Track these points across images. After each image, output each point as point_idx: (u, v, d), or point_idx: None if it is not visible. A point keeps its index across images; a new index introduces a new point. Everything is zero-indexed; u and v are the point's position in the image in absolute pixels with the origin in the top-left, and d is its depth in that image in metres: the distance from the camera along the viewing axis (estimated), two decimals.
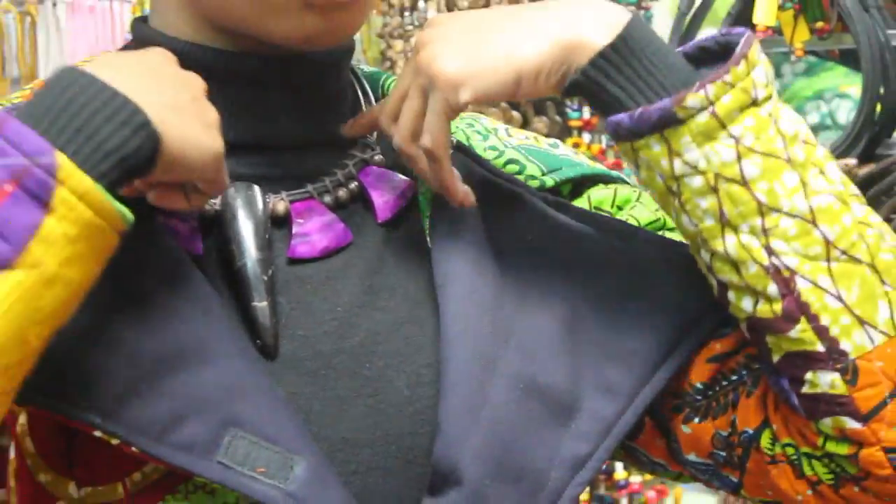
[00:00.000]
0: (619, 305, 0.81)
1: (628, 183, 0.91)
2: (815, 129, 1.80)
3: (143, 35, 0.82)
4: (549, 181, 0.86)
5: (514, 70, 0.73)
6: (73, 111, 0.64)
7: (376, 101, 0.88)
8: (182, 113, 0.68)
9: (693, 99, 0.68)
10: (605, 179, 0.89)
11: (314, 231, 0.81)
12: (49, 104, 0.64)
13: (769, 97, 0.70)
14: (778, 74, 1.89)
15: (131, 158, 0.63)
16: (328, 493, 0.69)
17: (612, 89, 0.74)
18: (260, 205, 0.77)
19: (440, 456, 0.73)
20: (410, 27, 1.79)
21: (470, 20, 0.81)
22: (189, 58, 0.77)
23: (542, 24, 0.76)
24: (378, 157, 0.83)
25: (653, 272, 0.82)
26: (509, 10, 0.81)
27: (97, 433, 0.66)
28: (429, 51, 0.76)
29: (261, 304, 0.75)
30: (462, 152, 0.84)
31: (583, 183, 0.89)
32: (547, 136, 1.40)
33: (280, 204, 0.78)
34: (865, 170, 1.49)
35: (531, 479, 0.75)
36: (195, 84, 0.73)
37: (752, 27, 1.52)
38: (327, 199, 0.81)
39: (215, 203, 0.77)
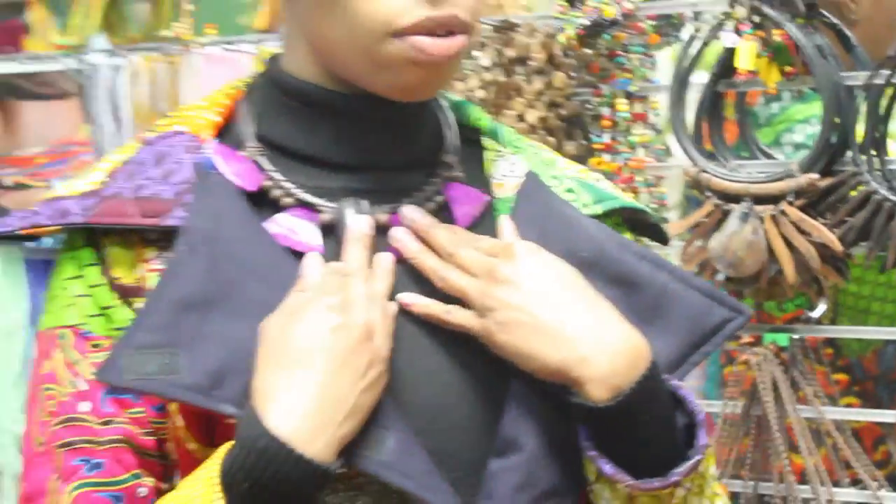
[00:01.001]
0: (648, 305, 0.84)
1: (649, 213, 0.98)
2: (798, 147, 1.82)
3: (278, 75, 0.87)
4: (599, 210, 0.89)
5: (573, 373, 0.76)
6: (276, 484, 0.71)
7: (459, 127, 0.92)
8: (343, 403, 0.75)
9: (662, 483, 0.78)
10: (634, 212, 0.96)
11: None
12: (253, 481, 0.72)
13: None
14: (778, 98, 1.89)
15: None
16: (413, 460, 0.75)
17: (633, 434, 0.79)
18: (369, 217, 0.82)
19: (507, 427, 0.79)
20: (468, 71, 1.71)
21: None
22: (313, 97, 0.84)
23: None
24: (459, 174, 0.87)
25: (671, 284, 0.86)
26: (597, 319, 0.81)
27: (229, 421, 0.75)
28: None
29: None
30: (531, 179, 0.88)
31: (615, 212, 0.93)
32: (574, 157, 1.48)
33: (382, 216, 0.82)
34: (825, 182, 1.47)
35: (572, 448, 0.80)
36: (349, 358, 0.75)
37: (735, 70, 1.50)
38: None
39: (332, 211, 0.83)
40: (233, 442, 0.73)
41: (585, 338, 0.79)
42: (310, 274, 0.78)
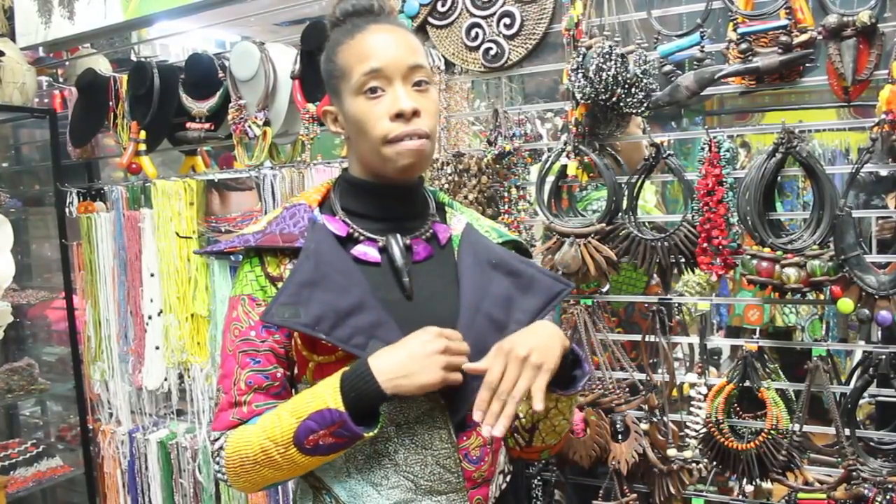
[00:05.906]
0: (524, 284, 1.12)
1: (523, 241, 1.31)
2: (596, 211, 2.20)
3: (346, 175, 1.15)
4: (500, 239, 1.24)
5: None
6: (362, 395, 0.94)
7: (434, 201, 1.21)
8: (415, 375, 0.94)
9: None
10: (516, 241, 1.28)
11: (420, 250, 1.16)
12: (352, 392, 0.93)
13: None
14: (586, 188, 2.31)
15: (378, 399, 0.97)
16: None
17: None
18: (401, 242, 1.13)
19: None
20: (437, 173, 2.09)
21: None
22: (363, 186, 1.11)
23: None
24: (438, 220, 1.19)
25: (535, 273, 1.15)
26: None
27: (324, 340, 1.02)
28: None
29: (405, 280, 1.11)
30: (468, 226, 1.20)
31: (508, 242, 1.24)
32: (490, 216, 2.04)
33: (407, 241, 1.14)
34: (608, 228, 1.89)
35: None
36: (428, 343, 0.95)
37: (567, 175, 1.92)
38: (423, 238, 1.17)
39: (383, 240, 1.12)
40: (346, 369, 0.99)
41: None
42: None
